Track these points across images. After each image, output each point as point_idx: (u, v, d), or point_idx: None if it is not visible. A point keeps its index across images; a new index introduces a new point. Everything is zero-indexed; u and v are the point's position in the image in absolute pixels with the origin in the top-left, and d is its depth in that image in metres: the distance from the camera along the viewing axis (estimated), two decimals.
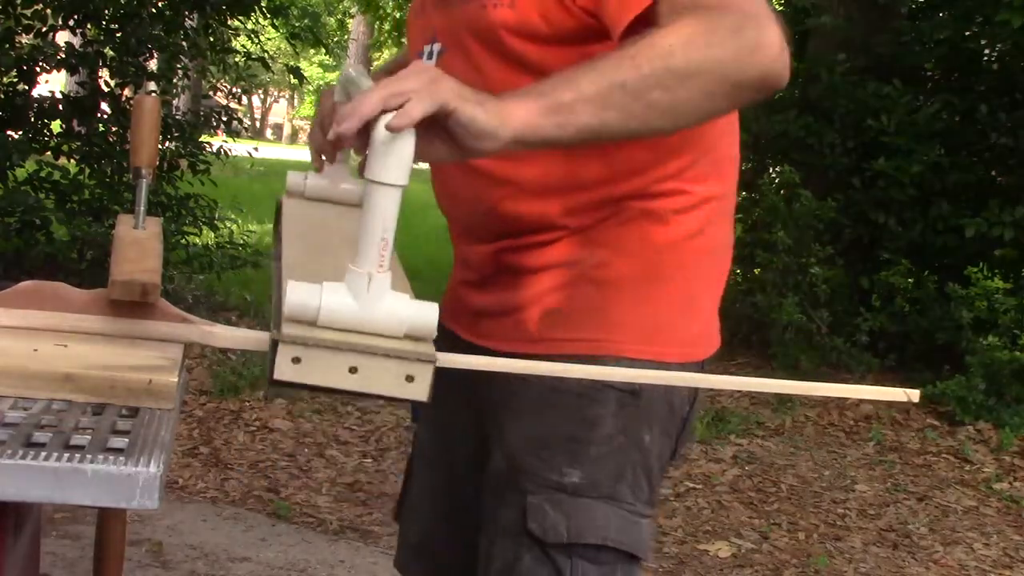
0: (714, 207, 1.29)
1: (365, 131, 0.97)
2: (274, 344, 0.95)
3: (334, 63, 37.21)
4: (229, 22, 6.11)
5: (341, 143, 0.99)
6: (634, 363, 1.22)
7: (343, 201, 1.43)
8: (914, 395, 1.17)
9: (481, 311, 1.34)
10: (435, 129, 0.99)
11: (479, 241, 1.34)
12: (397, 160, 0.96)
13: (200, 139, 5.88)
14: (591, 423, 1.24)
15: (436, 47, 1.31)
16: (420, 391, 0.96)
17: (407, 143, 0.96)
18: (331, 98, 1.38)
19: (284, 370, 0.94)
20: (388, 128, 0.95)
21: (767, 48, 1.06)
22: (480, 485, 1.32)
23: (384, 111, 0.96)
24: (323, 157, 1.33)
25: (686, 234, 1.27)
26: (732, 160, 1.34)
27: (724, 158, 1.32)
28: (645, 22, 1.09)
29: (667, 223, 1.25)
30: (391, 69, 1.49)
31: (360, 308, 0.97)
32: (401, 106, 0.96)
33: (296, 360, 0.94)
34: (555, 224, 1.26)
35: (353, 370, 0.95)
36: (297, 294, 0.97)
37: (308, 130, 1.49)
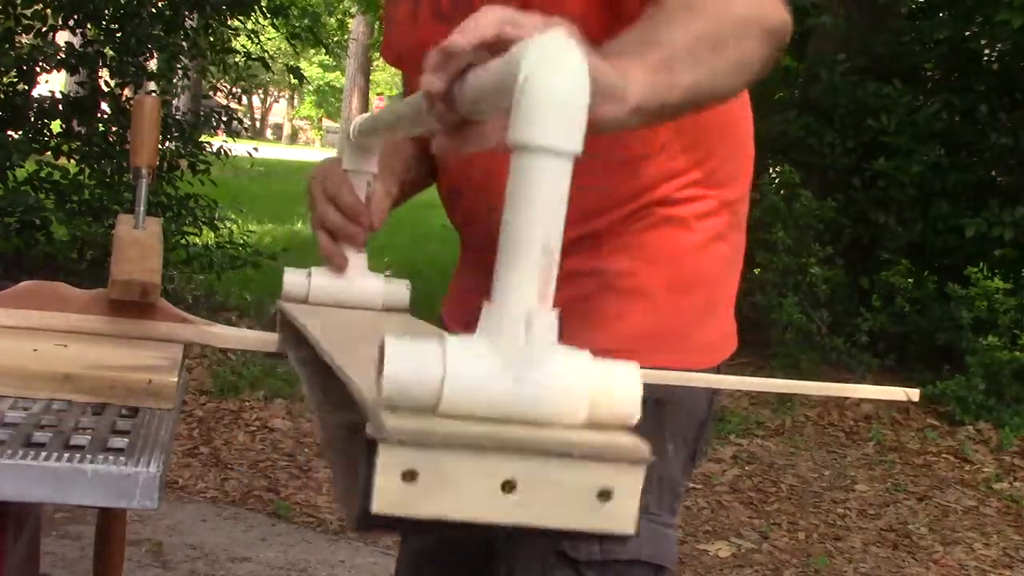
0: (734, 210, 1.29)
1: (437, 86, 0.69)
2: (369, 447, 0.53)
3: (334, 63, 37.21)
4: (229, 22, 6.11)
5: (453, 55, 0.69)
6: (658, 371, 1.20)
7: (362, 304, 1.14)
8: (914, 394, 1.17)
9: None
10: None
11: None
12: (574, 110, 0.57)
13: (200, 139, 5.89)
14: None
15: None
16: (621, 517, 0.57)
17: (587, 83, 0.58)
18: (339, 166, 1.16)
19: (390, 495, 0.53)
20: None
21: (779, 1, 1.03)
22: None
23: (500, 39, 0.66)
24: (339, 248, 1.13)
25: (708, 239, 1.25)
26: (751, 160, 1.32)
27: (746, 158, 1.30)
28: None
29: (691, 229, 1.23)
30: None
31: (514, 377, 0.56)
32: (515, 40, 0.66)
33: (410, 476, 0.53)
34: (577, 231, 1.19)
35: (508, 487, 0.54)
36: (405, 359, 0.55)
37: (313, 215, 1.18)
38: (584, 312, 1.21)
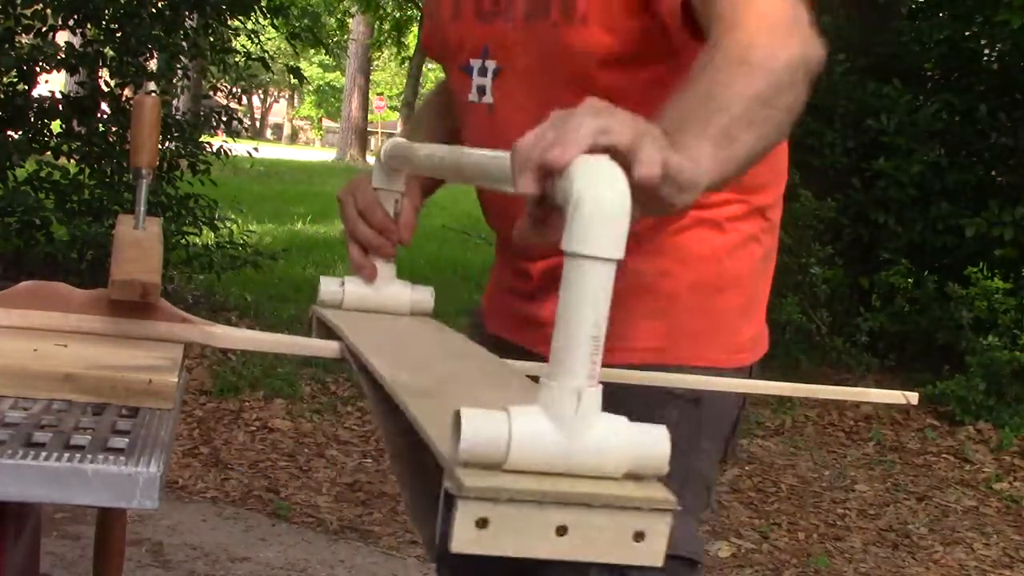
0: (767, 215, 1.31)
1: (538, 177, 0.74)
2: (445, 502, 0.67)
3: (334, 63, 37.21)
4: (229, 22, 6.11)
5: (553, 167, 0.73)
6: (695, 370, 1.22)
7: (390, 310, 1.24)
8: (913, 398, 1.18)
9: (535, 320, 1.31)
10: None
11: (540, 256, 1.30)
12: (619, 223, 0.70)
13: (200, 139, 5.88)
14: None
15: (490, 64, 1.25)
16: (652, 554, 0.69)
17: (629, 200, 0.71)
18: (369, 184, 1.26)
19: (465, 538, 0.66)
20: (639, 179, 0.74)
21: (813, 33, 1.05)
22: None
23: (593, 148, 0.73)
24: (369, 260, 1.22)
25: (741, 240, 1.27)
26: (785, 166, 1.34)
27: (779, 164, 1.32)
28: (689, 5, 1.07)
29: (724, 231, 1.25)
30: (437, 129, 1.42)
31: (566, 439, 0.69)
32: (607, 148, 0.74)
33: (482, 523, 0.66)
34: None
35: (561, 531, 0.68)
36: (478, 425, 0.67)
37: (347, 229, 1.27)
38: (621, 311, 1.23)
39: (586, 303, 0.69)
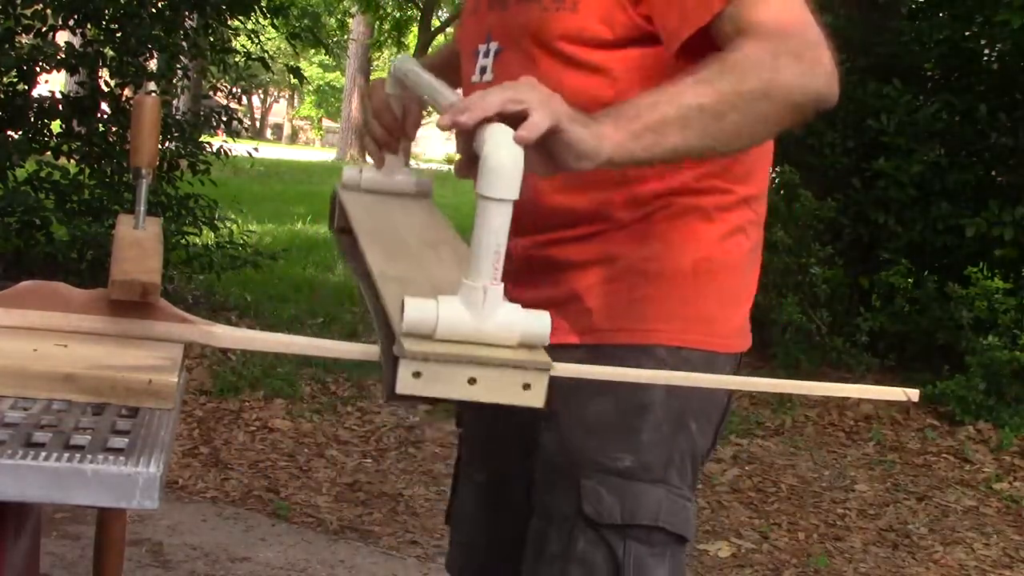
0: (753, 207, 1.35)
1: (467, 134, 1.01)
2: (393, 359, 0.97)
3: (334, 63, 37.19)
4: (229, 22, 6.11)
5: (460, 128, 1.01)
6: (683, 351, 1.28)
7: (399, 192, 1.47)
8: (913, 394, 1.17)
9: (522, 304, 1.34)
10: (535, 144, 1.03)
11: (520, 234, 1.31)
12: (511, 175, 0.98)
13: (200, 139, 5.88)
14: (643, 409, 1.29)
15: (493, 46, 1.35)
16: (536, 398, 0.98)
17: (521, 157, 0.98)
18: (383, 90, 1.45)
19: (406, 384, 0.96)
20: (517, 140, 0.99)
21: (823, 72, 1.16)
22: (528, 478, 1.37)
23: (500, 114, 1.00)
24: (380, 152, 1.43)
25: (730, 230, 1.32)
26: (768, 159, 1.39)
27: (761, 157, 1.36)
28: (701, 36, 1.16)
29: (713, 220, 1.30)
30: (436, 63, 1.58)
31: (476, 320, 0.99)
32: (518, 114, 1.01)
33: (417, 374, 0.96)
34: (600, 217, 1.30)
35: (472, 381, 0.97)
36: (415, 310, 0.98)
37: (360, 123, 1.54)
38: (613, 293, 1.30)
39: (491, 232, 0.99)
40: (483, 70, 1.36)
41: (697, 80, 1.10)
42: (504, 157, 0.98)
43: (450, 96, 1.19)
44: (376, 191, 1.46)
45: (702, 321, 1.30)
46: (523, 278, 1.32)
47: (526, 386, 0.97)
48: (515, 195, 0.98)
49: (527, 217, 1.30)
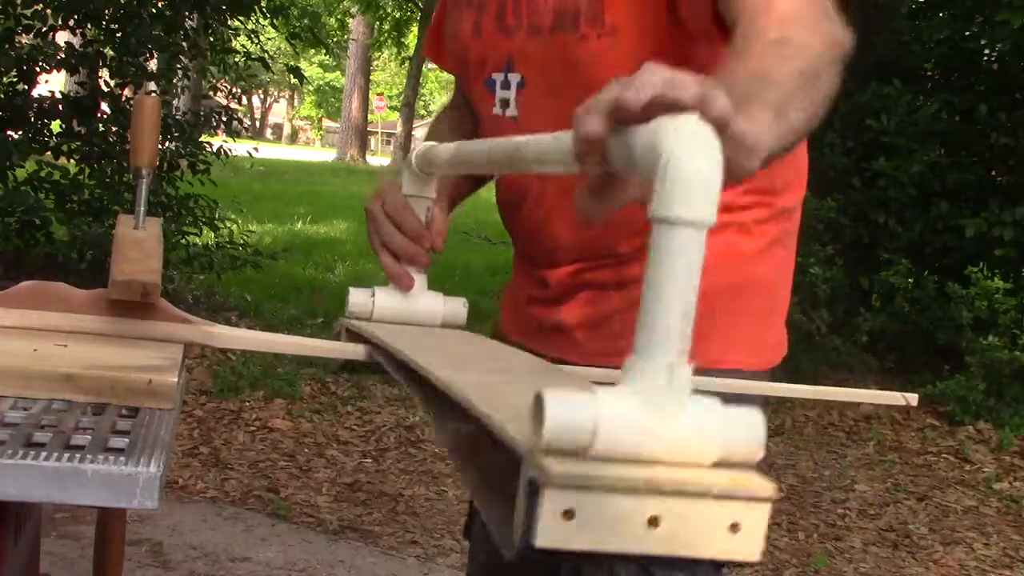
0: (790, 217, 1.31)
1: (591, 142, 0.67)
2: (531, 488, 0.59)
3: (334, 63, 37.21)
4: (229, 22, 6.11)
5: (625, 109, 0.65)
6: (722, 373, 1.22)
7: (422, 321, 1.19)
8: (912, 399, 1.18)
9: (558, 327, 1.31)
10: None
11: (558, 264, 1.30)
12: (711, 186, 0.63)
13: (200, 139, 5.88)
14: None
15: (514, 78, 1.26)
16: (749, 545, 0.63)
17: (722, 161, 0.64)
18: (399, 192, 1.21)
19: (551, 530, 0.59)
20: (732, 133, 0.67)
21: (840, 19, 1.05)
22: None
23: (661, 102, 0.65)
24: (402, 267, 1.18)
25: (767, 244, 1.28)
26: (806, 167, 1.34)
27: (801, 166, 1.32)
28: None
29: (751, 234, 1.26)
30: (454, 137, 1.38)
31: (658, 423, 0.62)
32: (675, 103, 0.65)
33: (569, 514, 0.60)
34: (644, 240, 1.24)
35: (654, 522, 0.61)
36: (562, 406, 0.60)
37: (373, 237, 1.23)
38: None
39: (678, 274, 0.62)
40: (504, 103, 1.26)
41: (768, 44, 0.93)
42: (703, 161, 0.63)
43: (546, 136, 0.81)
44: (393, 322, 1.18)
45: (739, 340, 1.26)
46: (560, 301, 1.29)
47: (734, 527, 0.62)
48: (715, 218, 0.63)
49: (565, 251, 1.27)
